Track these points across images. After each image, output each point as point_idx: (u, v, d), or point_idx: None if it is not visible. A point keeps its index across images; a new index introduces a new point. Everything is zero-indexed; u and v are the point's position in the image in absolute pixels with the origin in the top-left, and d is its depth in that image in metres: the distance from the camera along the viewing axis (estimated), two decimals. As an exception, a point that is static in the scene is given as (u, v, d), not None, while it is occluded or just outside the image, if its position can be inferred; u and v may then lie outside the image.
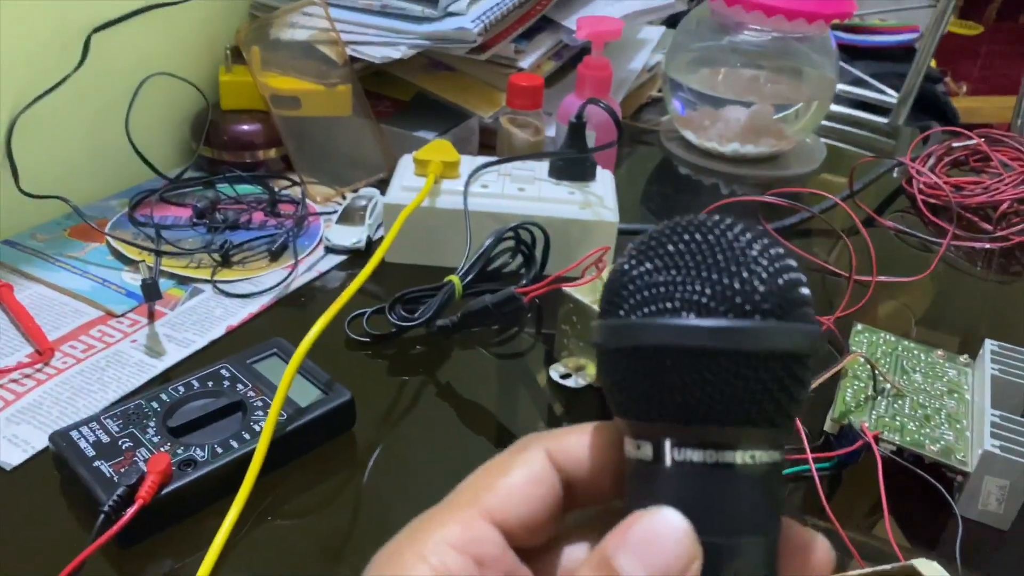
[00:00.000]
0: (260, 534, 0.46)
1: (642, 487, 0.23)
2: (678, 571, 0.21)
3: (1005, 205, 0.78)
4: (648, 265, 0.22)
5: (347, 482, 0.50)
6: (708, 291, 0.21)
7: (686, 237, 0.22)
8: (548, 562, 0.26)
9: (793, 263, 0.22)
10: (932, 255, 0.75)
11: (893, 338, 0.56)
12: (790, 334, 0.21)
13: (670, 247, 0.22)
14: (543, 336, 0.62)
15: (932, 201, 0.81)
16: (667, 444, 0.22)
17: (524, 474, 0.25)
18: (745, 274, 0.21)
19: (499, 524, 0.24)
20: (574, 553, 0.26)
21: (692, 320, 0.21)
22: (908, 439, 0.48)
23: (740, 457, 0.22)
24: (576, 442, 0.25)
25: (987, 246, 0.77)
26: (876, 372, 0.51)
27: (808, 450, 0.44)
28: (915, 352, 0.56)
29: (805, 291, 0.22)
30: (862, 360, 0.53)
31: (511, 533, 0.24)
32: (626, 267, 0.23)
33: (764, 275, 0.21)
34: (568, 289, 0.54)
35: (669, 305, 0.21)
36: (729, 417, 0.21)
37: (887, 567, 0.37)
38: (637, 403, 0.23)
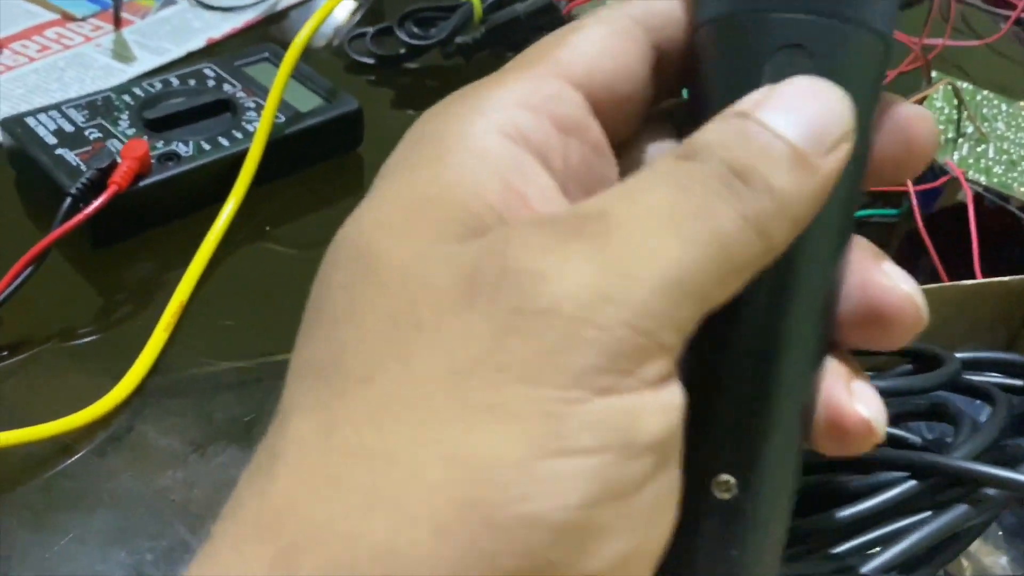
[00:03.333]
0: (253, 249, 0.40)
1: None
2: (839, 133, 0.16)
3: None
4: None
5: (353, 207, 0.44)
6: None
7: None
8: (629, 161, 0.20)
9: None
10: (996, 27, 0.68)
11: (971, 87, 0.50)
12: None
13: None
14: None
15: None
16: None
17: (605, 28, 0.18)
18: None
19: (580, 86, 0.18)
20: (663, 149, 0.20)
21: None
22: (995, 180, 0.43)
23: None
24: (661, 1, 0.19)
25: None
26: (963, 108, 0.45)
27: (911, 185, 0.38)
28: (995, 102, 0.49)
29: None
30: (939, 105, 0.47)
31: (595, 100, 0.18)
32: None
33: None
34: (612, 1, 0.47)
35: None
36: None
37: (1004, 278, 0.32)
38: None
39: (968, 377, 0.28)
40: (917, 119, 0.18)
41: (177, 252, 0.38)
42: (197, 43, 0.52)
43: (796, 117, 0.15)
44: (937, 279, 0.41)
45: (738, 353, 0.17)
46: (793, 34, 0.17)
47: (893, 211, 0.44)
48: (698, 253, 0.14)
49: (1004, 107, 0.49)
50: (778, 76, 0.17)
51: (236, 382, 0.33)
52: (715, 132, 0.16)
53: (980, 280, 0.31)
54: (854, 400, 0.17)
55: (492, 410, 0.13)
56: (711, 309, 0.15)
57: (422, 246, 0.14)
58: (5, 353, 0.34)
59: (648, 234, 0.14)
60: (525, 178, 0.16)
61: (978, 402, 0.29)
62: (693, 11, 0.19)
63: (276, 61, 0.46)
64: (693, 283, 0.14)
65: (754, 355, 0.17)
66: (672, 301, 0.13)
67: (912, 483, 0.23)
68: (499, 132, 0.16)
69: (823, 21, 0.17)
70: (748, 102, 0.16)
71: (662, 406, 0.14)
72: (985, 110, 0.49)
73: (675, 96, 0.20)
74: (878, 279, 0.17)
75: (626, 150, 0.19)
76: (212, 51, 0.51)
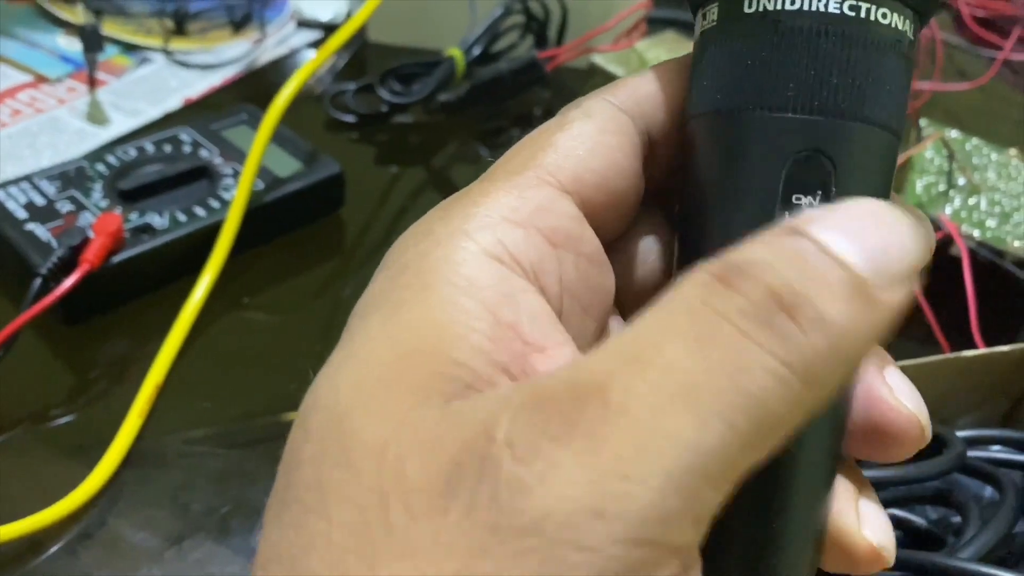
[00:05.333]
0: (230, 321, 0.39)
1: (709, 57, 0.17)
2: (906, 269, 0.13)
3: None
4: None
5: (335, 271, 0.43)
6: None
7: None
8: (624, 260, 0.18)
9: None
10: (980, 71, 0.67)
11: (960, 135, 0.50)
12: None
13: None
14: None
15: (980, 15, 0.74)
16: None
17: (592, 124, 0.17)
18: None
19: (569, 191, 0.16)
20: (652, 245, 0.19)
21: None
22: (988, 235, 0.42)
23: (864, 9, 0.16)
24: (643, 84, 0.18)
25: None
26: (953, 160, 0.44)
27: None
28: (984, 151, 0.49)
29: None
30: (929, 156, 0.46)
31: (587, 204, 0.17)
32: None
33: None
34: (598, 58, 0.46)
35: None
36: None
37: (1005, 348, 0.31)
38: None
39: (975, 457, 0.27)
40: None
41: (152, 327, 0.37)
42: (174, 103, 0.51)
43: (860, 243, 0.13)
44: (932, 336, 0.40)
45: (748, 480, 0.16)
46: (811, 137, 0.16)
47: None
48: (722, 427, 0.12)
49: (994, 156, 0.49)
50: (799, 183, 0.16)
51: (214, 470, 0.32)
52: (762, 250, 0.13)
53: (981, 351, 0.30)
54: (863, 526, 0.16)
55: None
56: (743, 476, 0.13)
57: (400, 419, 0.13)
58: (-28, 441, 0.33)
59: (657, 414, 0.12)
60: (516, 307, 0.15)
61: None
62: (691, 100, 0.17)
63: (254, 124, 0.45)
64: (717, 463, 0.12)
65: (765, 479, 0.16)
66: (688, 494, 0.11)
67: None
68: (487, 255, 0.15)
69: (844, 124, 0.16)
70: (803, 219, 0.13)
71: None
72: (975, 159, 0.48)
73: (667, 184, 0.19)
74: (883, 394, 0.16)
75: (620, 248, 0.18)
76: (189, 112, 0.50)
